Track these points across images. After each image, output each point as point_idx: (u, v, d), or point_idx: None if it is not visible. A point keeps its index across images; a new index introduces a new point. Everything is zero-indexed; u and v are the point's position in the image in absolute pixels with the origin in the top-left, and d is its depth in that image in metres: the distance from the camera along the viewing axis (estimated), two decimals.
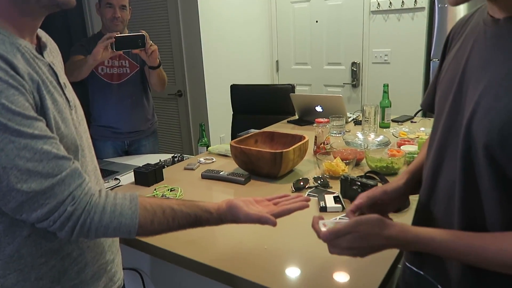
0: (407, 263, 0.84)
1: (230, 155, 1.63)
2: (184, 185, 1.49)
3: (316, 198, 1.29)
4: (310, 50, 3.85)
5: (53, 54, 0.83)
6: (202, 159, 1.78)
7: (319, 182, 1.42)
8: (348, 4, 3.53)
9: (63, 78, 0.80)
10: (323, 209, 1.21)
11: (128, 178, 1.68)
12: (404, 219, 1.15)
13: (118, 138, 2.25)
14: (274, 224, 0.83)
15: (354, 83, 3.67)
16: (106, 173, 1.79)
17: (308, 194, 1.36)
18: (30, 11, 0.70)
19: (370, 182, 1.23)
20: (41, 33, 0.81)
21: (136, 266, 1.25)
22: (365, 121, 2.09)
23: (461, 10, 2.98)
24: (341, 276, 0.91)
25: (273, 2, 3.94)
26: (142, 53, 1.92)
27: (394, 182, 0.88)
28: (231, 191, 1.45)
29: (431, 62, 3.22)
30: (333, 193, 1.32)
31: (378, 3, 3.35)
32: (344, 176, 1.31)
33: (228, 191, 1.45)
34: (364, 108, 2.08)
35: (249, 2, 3.69)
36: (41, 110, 0.68)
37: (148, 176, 1.50)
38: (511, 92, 0.58)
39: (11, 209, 0.65)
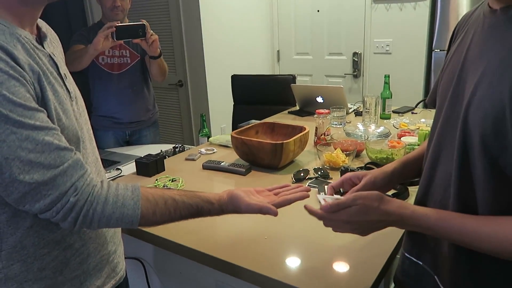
0: (405, 253, 0.85)
1: (231, 145, 1.64)
2: (185, 176, 1.50)
3: (316, 189, 1.30)
4: (311, 40, 3.83)
5: (54, 44, 0.83)
6: (203, 150, 1.79)
7: (319, 173, 1.42)
8: None
9: (64, 69, 0.80)
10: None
11: (129, 168, 1.69)
12: None
13: (119, 128, 2.25)
14: (275, 214, 0.83)
15: (355, 73, 3.66)
16: (108, 163, 1.80)
17: (308, 185, 1.37)
18: (30, 1, 0.70)
19: None
20: (41, 23, 0.80)
21: (139, 255, 1.27)
22: (366, 112, 2.09)
23: (464, 0, 2.95)
24: (340, 266, 0.92)
25: None
26: (142, 43, 1.91)
27: (381, 170, 0.91)
28: (231, 182, 1.45)
29: (433, 52, 3.20)
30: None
31: None
32: (344, 167, 1.32)
33: (229, 181, 1.46)
34: (365, 99, 2.08)
35: None
36: (42, 101, 0.68)
37: (149, 167, 1.51)
38: (504, 81, 0.58)
39: (14, 200, 0.66)
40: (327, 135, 1.75)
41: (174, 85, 3.46)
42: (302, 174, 1.42)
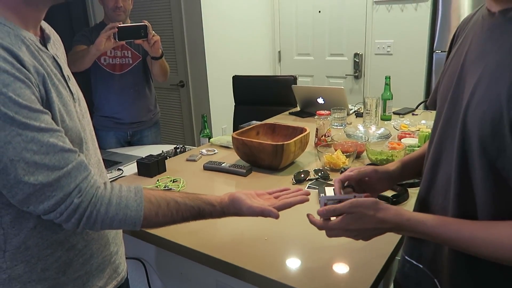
0: (406, 256, 0.86)
1: (232, 146, 1.64)
2: (186, 177, 1.50)
3: (317, 190, 1.31)
4: (313, 41, 3.84)
5: (56, 46, 0.84)
6: (204, 151, 1.80)
7: (319, 174, 1.43)
8: None
9: (67, 71, 0.81)
10: None
11: (131, 168, 1.70)
12: None
13: (121, 129, 2.26)
14: (276, 216, 0.84)
15: (356, 74, 3.66)
16: (109, 163, 1.81)
17: (308, 186, 1.37)
18: (34, 2, 0.71)
19: None
20: (44, 24, 0.81)
21: (140, 255, 1.28)
22: (367, 113, 2.09)
23: (465, 1, 2.96)
24: (340, 267, 0.93)
25: None
26: (144, 44, 1.92)
27: (386, 166, 0.93)
28: (232, 183, 1.46)
29: (434, 53, 3.20)
30: (334, 185, 1.33)
31: None
32: (344, 168, 1.32)
33: (230, 182, 1.47)
34: (366, 100, 2.08)
35: None
36: (47, 103, 0.69)
37: (150, 167, 1.52)
38: (502, 83, 0.58)
39: (18, 201, 0.66)
40: (328, 136, 1.75)
41: (175, 86, 3.47)
42: (302, 175, 1.42)
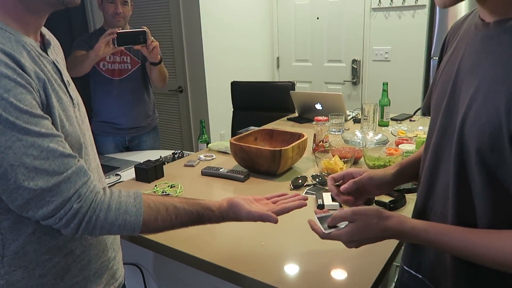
0: (404, 266, 0.85)
1: (230, 152, 1.65)
2: (184, 182, 1.51)
3: (314, 196, 1.31)
4: (311, 47, 3.86)
5: (56, 51, 0.84)
6: (202, 156, 1.80)
7: (317, 180, 1.43)
8: (349, 1, 3.53)
9: (67, 76, 0.81)
10: (321, 206, 1.23)
11: (128, 174, 1.70)
12: None
13: (119, 134, 2.26)
14: (275, 221, 0.85)
15: (354, 80, 3.68)
16: (107, 168, 1.81)
17: (306, 192, 1.37)
18: (36, 8, 0.71)
19: None
20: (44, 30, 0.82)
21: (137, 261, 1.27)
22: (364, 119, 2.10)
23: (462, 8, 2.98)
24: (337, 272, 0.93)
25: None
26: (143, 49, 1.92)
27: (383, 170, 0.92)
28: (230, 188, 1.46)
29: (431, 60, 3.22)
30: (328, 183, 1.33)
31: (379, 1, 3.35)
32: None
33: (228, 188, 1.47)
34: (364, 106, 2.10)
35: None
36: (47, 108, 0.69)
37: (148, 173, 1.52)
38: (500, 96, 0.58)
39: (17, 206, 0.66)
40: (326, 142, 1.76)
41: (174, 91, 3.48)
42: (300, 181, 1.43)
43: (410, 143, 1.75)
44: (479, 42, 0.66)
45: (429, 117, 0.81)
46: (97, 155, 0.90)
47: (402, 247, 0.93)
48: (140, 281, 1.28)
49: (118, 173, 1.75)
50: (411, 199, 1.18)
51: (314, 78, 3.92)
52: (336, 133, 2.08)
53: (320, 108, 2.35)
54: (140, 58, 2.16)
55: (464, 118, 0.64)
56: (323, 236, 0.77)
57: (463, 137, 0.64)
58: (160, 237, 1.07)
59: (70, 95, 0.79)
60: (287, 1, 3.88)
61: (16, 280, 0.73)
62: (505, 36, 0.61)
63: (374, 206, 0.74)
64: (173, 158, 1.84)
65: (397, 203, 1.21)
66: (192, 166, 1.69)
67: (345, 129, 2.15)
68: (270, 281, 0.89)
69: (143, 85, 2.25)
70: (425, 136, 1.78)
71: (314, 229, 0.78)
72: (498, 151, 0.59)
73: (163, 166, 1.60)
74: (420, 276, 0.80)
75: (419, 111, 2.49)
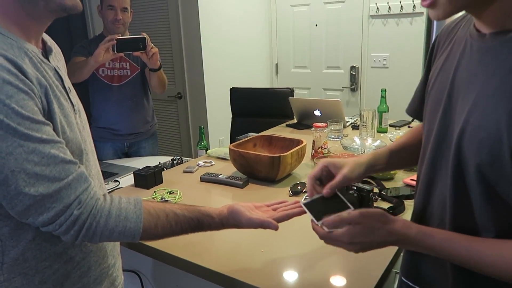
0: (403, 278, 0.85)
1: (229, 158, 1.65)
2: (183, 188, 1.50)
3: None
4: (309, 53, 3.88)
5: (57, 58, 0.85)
6: (201, 162, 1.80)
7: None
8: (348, 8, 3.56)
9: (68, 82, 0.82)
10: None
11: (127, 180, 1.69)
12: None
13: (118, 140, 2.26)
14: (276, 228, 0.84)
15: (353, 87, 3.69)
16: (106, 175, 1.81)
17: (305, 198, 1.37)
18: (38, 15, 0.72)
19: (366, 187, 1.25)
20: (46, 37, 0.82)
21: (135, 267, 1.27)
22: (363, 125, 2.11)
23: (460, 15, 3.00)
24: (336, 279, 0.93)
25: (273, 5, 3.96)
26: (143, 55, 1.93)
27: (357, 161, 0.88)
28: (229, 195, 1.46)
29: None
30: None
31: (377, 8, 3.38)
32: None
33: (227, 194, 1.47)
34: (362, 112, 2.10)
35: (249, 5, 3.71)
36: (48, 114, 0.69)
37: (147, 179, 1.52)
38: (500, 110, 0.57)
39: (17, 213, 0.66)
40: (324, 148, 1.76)
41: (173, 97, 3.48)
42: (299, 187, 1.43)
43: None
44: (475, 53, 0.65)
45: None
46: (97, 161, 0.90)
47: (401, 254, 0.93)
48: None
49: (116, 179, 1.75)
50: (410, 206, 1.18)
51: (312, 85, 3.94)
52: (335, 139, 2.09)
53: (319, 114, 2.35)
54: (140, 64, 2.17)
55: (461, 132, 0.63)
56: (323, 236, 0.73)
57: (461, 151, 0.63)
58: (159, 244, 1.07)
59: (71, 101, 0.79)
60: (286, 8, 3.90)
61: (16, 287, 0.73)
62: (502, 49, 0.60)
63: (379, 209, 0.72)
64: (172, 164, 1.84)
65: (396, 210, 1.21)
66: (191, 172, 1.69)
67: (343, 136, 2.16)
68: None
69: (143, 91, 2.25)
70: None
71: (314, 229, 0.75)
72: (498, 166, 0.58)
73: (162, 172, 1.60)
74: None
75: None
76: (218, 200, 1.45)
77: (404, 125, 2.42)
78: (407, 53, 3.33)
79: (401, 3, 3.26)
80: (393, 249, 1.01)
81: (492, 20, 0.61)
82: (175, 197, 1.43)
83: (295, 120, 2.58)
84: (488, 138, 0.58)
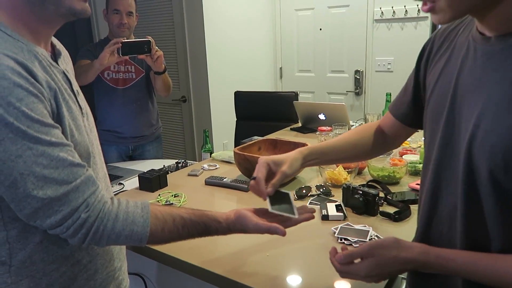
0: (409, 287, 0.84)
1: (234, 161, 1.65)
2: (188, 191, 1.50)
3: (318, 206, 1.31)
4: (314, 57, 3.88)
5: (66, 61, 0.85)
6: (205, 166, 1.80)
7: (321, 190, 1.43)
8: (352, 12, 3.56)
9: (76, 86, 0.82)
10: (325, 217, 1.22)
11: (132, 183, 1.70)
12: (404, 228, 1.16)
13: (122, 143, 2.27)
14: (283, 234, 0.84)
15: (357, 91, 3.69)
16: (111, 177, 1.77)
17: (310, 202, 1.37)
18: (47, 19, 0.72)
19: (372, 191, 1.25)
20: (54, 40, 0.83)
21: (140, 271, 1.27)
22: None
23: None
24: (341, 285, 0.92)
25: (277, 9, 3.97)
26: (147, 59, 1.94)
27: (292, 159, 0.94)
28: (234, 198, 1.46)
29: None
30: (335, 201, 1.33)
31: (382, 12, 3.38)
32: (346, 184, 1.32)
33: (232, 197, 1.47)
34: (367, 116, 2.10)
35: (253, 9, 3.73)
36: (57, 117, 0.70)
37: (152, 182, 1.52)
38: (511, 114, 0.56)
39: (25, 215, 0.66)
40: None
41: (177, 101, 3.49)
42: (304, 191, 1.42)
43: (414, 154, 1.75)
44: (480, 57, 0.63)
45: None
46: (104, 164, 0.90)
47: None
48: None
49: (121, 182, 1.75)
50: (416, 210, 1.17)
51: (316, 89, 3.93)
52: None
53: (324, 118, 2.35)
54: (145, 67, 2.18)
55: (472, 137, 0.62)
56: (339, 270, 0.73)
57: (472, 157, 0.62)
58: (163, 247, 1.06)
59: (79, 104, 0.79)
60: (290, 12, 3.91)
61: None
62: (510, 51, 0.59)
63: (390, 237, 0.69)
64: (177, 168, 1.84)
65: (402, 214, 1.21)
66: (196, 175, 1.69)
67: None
68: None
69: (147, 94, 2.26)
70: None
71: (332, 261, 0.75)
72: None
73: (167, 175, 1.60)
74: None
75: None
76: (223, 203, 1.45)
77: None
78: (412, 57, 3.27)
79: (406, 7, 3.26)
80: None
81: (496, 23, 0.60)
82: (179, 200, 1.43)
83: (299, 124, 2.57)
84: (501, 143, 0.57)
